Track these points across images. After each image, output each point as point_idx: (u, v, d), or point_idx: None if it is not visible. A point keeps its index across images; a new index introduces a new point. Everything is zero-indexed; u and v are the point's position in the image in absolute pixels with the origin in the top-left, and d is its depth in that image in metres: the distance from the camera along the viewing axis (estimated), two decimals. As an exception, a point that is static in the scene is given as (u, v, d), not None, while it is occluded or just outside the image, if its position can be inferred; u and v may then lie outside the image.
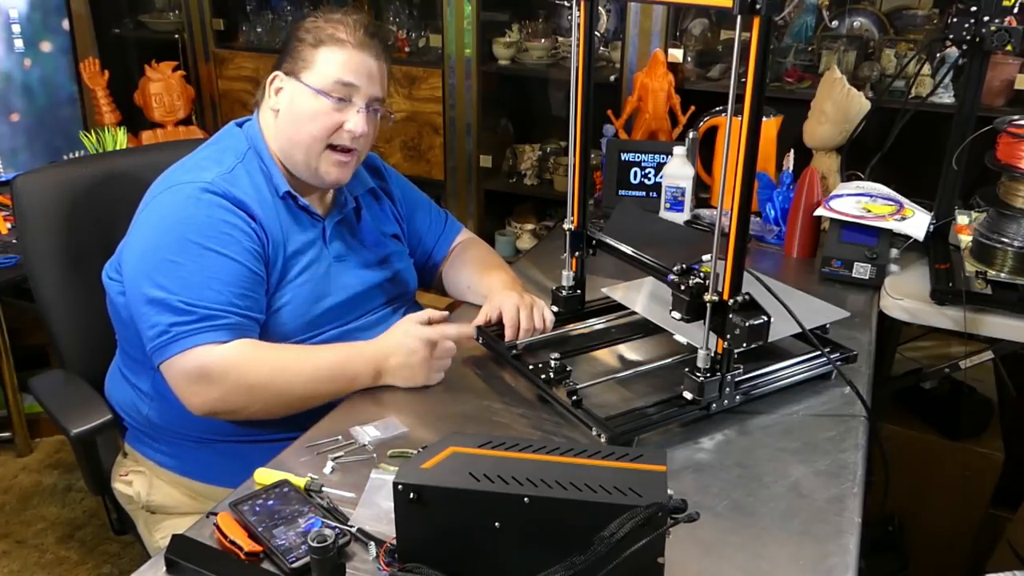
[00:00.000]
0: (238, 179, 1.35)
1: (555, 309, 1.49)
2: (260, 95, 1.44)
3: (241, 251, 1.31)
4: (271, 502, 1.02)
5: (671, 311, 1.22)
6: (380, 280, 1.51)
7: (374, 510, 1.02)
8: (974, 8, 1.64)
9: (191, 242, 1.28)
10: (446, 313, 1.42)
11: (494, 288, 1.51)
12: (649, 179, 2.16)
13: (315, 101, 1.36)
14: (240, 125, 1.46)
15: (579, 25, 1.33)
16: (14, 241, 2.20)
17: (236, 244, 1.31)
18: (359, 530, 0.98)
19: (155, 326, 1.26)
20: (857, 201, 1.80)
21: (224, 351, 1.25)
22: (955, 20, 1.67)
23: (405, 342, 1.31)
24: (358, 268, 1.49)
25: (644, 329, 1.49)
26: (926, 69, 2.14)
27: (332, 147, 1.38)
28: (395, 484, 0.85)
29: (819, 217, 1.82)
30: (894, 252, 1.79)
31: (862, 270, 1.74)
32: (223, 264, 1.29)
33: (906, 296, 1.65)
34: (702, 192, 2.18)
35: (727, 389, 1.23)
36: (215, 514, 1.01)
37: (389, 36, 2.78)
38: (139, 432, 1.45)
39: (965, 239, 1.72)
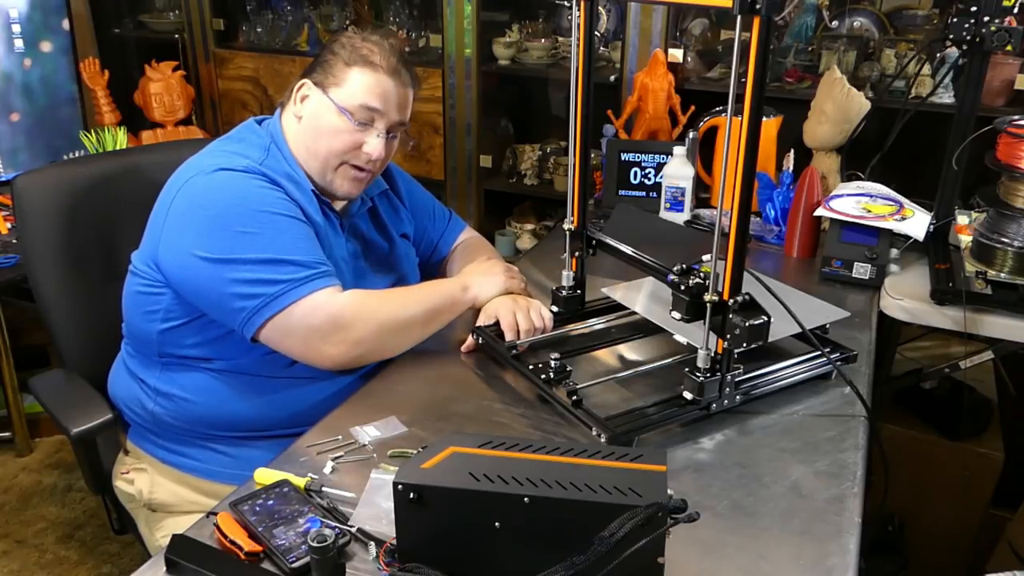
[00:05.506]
0: (268, 170, 1.36)
1: (555, 309, 1.49)
2: (286, 97, 1.44)
3: (303, 216, 1.33)
4: (271, 502, 1.03)
5: (671, 311, 1.23)
6: (392, 281, 1.53)
7: (374, 510, 1.02)
8: (974, 8, 1.64)
9: (259, 211, 1.28)
10: None
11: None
12: (649, 179, 2.16)
13: (338, 119, 1.37)
14: (260, 123, 1.46)
15: (579, 25, 1.33)
16: (14, 241, 2.20)
17: (297, 211, 1.33)
18: (359, 530, 0.98)
19: (254, 294, 1.24)
20: (857, 201, 1.80)
21: (346, 297, 1.28)
22: (955, 20, 1.67)
23: (482, 268, 1.52)
24: (373, 268, 1.50)
25: (644, 329, 1.49)
26: (926, 69, 2.14)
27: (348, 163, 1.40)
28: (395, 484, 0.85)
29: (819, 217, 1.82)
30: (894, 252, 1.79)
31: (862, 270, 1.74)
32: (299, 226, 1.31)
33: (906, 296, 1.65)
34: (702, 192, 2.19)
35: (727, 389, 1.23)
36: (215, 514, 1.01)
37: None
38: (142, 428, 1.45)
39: (965, 239, 1.72)
